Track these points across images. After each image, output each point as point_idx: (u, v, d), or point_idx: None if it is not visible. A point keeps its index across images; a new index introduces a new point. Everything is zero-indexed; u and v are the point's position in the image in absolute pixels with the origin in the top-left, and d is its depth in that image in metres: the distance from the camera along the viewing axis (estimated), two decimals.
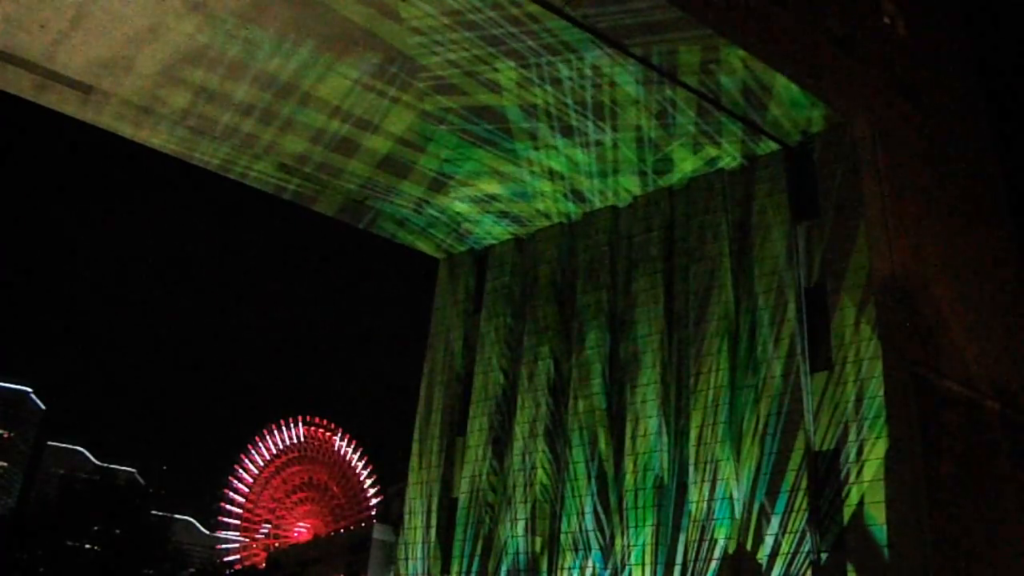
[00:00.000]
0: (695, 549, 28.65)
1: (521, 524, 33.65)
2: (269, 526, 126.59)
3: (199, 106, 31.47)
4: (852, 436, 26.41)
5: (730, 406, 29.61)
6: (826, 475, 27.03)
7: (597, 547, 31.29)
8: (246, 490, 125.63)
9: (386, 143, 33.40)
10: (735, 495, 28.55)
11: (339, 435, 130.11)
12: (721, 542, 28.14)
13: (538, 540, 33.12)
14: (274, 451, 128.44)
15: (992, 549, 27.54)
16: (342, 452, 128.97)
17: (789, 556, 26.51)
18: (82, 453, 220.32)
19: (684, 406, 31.09)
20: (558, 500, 33.35)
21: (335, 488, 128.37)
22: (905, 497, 24.98)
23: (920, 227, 31.04)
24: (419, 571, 36.69)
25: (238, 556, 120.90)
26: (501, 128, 32.10)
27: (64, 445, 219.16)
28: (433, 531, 37.06)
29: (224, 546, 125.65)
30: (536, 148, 33.08)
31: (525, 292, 38.61)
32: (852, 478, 25.94)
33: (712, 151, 32.38)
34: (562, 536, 32.35)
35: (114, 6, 26.76)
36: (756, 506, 27.83)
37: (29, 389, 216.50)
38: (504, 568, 33.51)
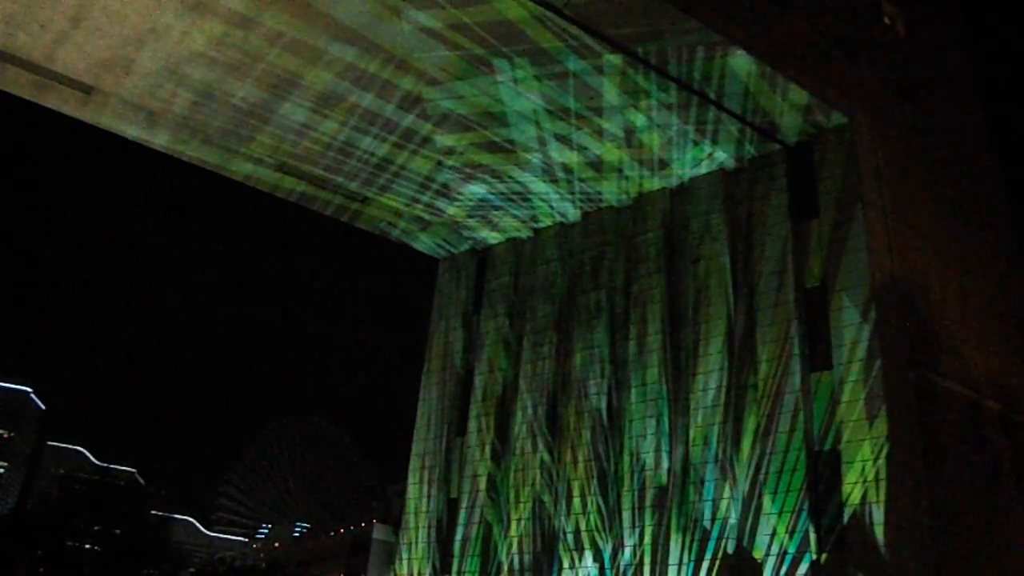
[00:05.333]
0: (695, 549, 28.66)
1: (521, 524, 33.66)
2: (269, 526, 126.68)
3: (199, 106, 31.46)
4: (852, 436, 26.41)
5: (730, 406, 29.61)
6: (826, 475, 27.06)
7: (597, 547, 31.28)
8: (246, 489, 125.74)
9: (387, 143, 33.40)
10: (735, 495, 28.56)
11: (339, 435, 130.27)
12: (721, 542, 28.15)
13: (538, 540, 33.12)
14: (275, 451, 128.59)
15: (992, 548, 27.52)
16: (342, 452, 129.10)
17: (789, 556, 26.51)
18: (82, 453, 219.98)
19: (684, 406, 31.09)
20: (558, 500, 33.34)
21: (335, 488, 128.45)
22: (905, 497, 24.98)
23: (920, 227, 31.04)
24: (419, 571, 36.69)
25: (238, 556, 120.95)
26: (501, 128, 32.11)
27: (64, 445, 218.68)
28: (433, 531, 37.06)
29: (224, 546, 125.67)
30: (537, 148, 33.09)
31: (525, 292, 38.60)
32: (852, 478, 25.94)
33: (712, 151, 32.41)
34: (562, 536, 32.35)
35: (114, 6, 26.76)
36: (756, 506, 27.83)
37: (29, 389, 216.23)
38: (504, 568, 33.51)
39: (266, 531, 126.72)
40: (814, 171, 30.71)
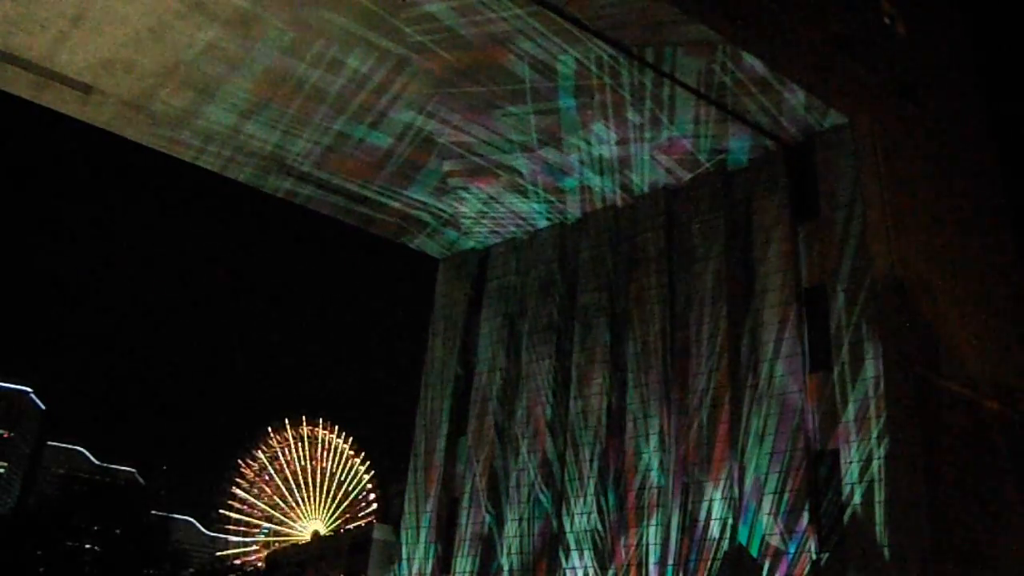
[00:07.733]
0: (695, 549, 28.63)
1: (521, 524, 33.63)
2: (269, 526, 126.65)
3: (199, 106, 31.47)
4: (852, 436, 26.39)
5: (730, 406, 29.61)
6: (826, 475, 27.05)
7: (597, 547, 31.27)
8: (246, 489, 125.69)
9: (388, 141, 33.41)
10: (735, 495, 28.55)
11: (339, 435, 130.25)
12: (720, 542, 28.12)
13: (538, 540, 33.11)
14: (275, 450, 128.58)
15: (992, 549, 27.51)
16: (342, 452, 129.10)
17: (789, 556, 26.50)
18: (82, 453, 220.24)
19: (684, 406, 31.09)
20: (558, 500, 33.33)
21: (335, 488, 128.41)
22: (905, 497, 24.96)
23: (920, 227, 31.03)
24: (419, 571, 36.68)
25: (237, 554, 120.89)
26: (500, 130, 32.11)
27: (64, 445, 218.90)
28: (433, 531, 37.04)
29: (224, 545, 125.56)
30: (536, 148, 33.09)
31: (525, 292, 38.59)
32: (852, 478, 25.92)
33: (712, 151, 32.41)
34: (562, 536, 32.34)
35: (114, 6, 26.78)
36: (756, 506, 27.83)
37: (29, 389, 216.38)
38: (504, 568, 33.50)
39: (266, 531, 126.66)
40: (814, 171, 30.68)
